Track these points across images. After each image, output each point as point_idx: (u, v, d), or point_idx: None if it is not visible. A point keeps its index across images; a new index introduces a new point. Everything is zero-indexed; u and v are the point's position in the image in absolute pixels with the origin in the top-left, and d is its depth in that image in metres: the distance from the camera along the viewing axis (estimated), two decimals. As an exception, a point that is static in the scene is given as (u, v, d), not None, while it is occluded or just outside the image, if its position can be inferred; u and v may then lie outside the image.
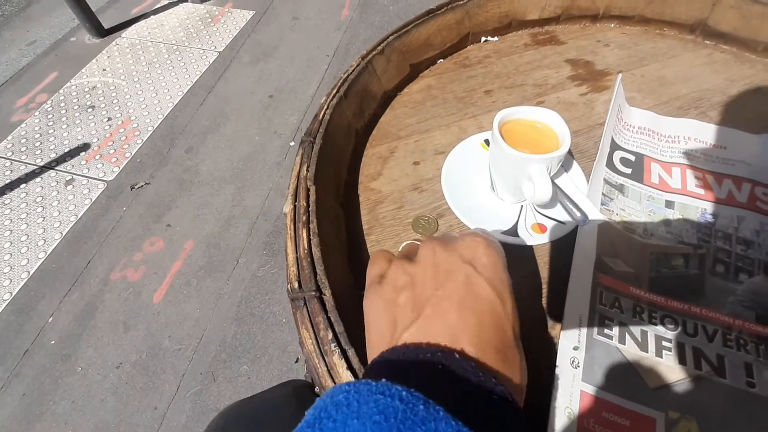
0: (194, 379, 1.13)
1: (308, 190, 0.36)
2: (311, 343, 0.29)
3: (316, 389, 0.29)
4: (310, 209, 0.35)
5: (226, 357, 1.17)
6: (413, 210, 0.41)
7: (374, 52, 0.47)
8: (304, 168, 0.38)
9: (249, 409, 0.37)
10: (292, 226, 0.35)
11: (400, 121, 0.49)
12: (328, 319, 0.29)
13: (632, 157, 0.44)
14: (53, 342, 1.19)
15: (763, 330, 0.33)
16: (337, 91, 0.43)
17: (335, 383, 0.27)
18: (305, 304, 0.30)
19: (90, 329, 1.21)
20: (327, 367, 0.28)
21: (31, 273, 1.31)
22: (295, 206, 0.36)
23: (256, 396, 0.40)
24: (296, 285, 0.32)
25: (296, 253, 0.33)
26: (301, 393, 0.38)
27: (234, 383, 1.12)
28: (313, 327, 0.29)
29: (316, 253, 0.32)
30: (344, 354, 0.28)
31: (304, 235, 0.33)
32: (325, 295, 0.30)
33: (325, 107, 0.42)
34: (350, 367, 0.27)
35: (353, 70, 0.45)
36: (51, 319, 1.23)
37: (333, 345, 0.28)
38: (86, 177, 1.54)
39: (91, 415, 1.08)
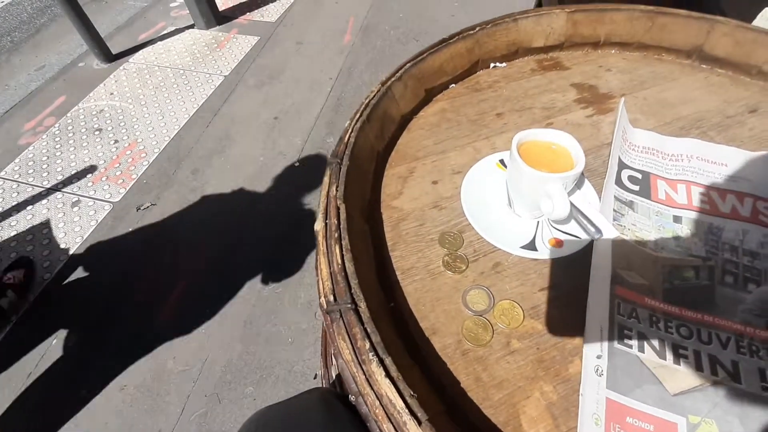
0: (199, 400, 1.12)
1: (338, 208, 0.38)
2: (349, 353, 0.30)
3: (351, 398, 0.30)
4: (341, 226, 0.36)
5: (231, 378, 1.16)
6: (435, 227, 0.43)
7: (393, 79, 0.50)
8: (333, 188, 0.40)
9: (278, 414, 0.38)
10: (325, 243, 0.36)
11: (418, 143, 0.51)
12: (365, 330, 0.31)
13: (639, 175, 0.47)
14: (57, 365, 1.18)
15: (774, 337, 0.35)
16: (360, 115, 0.46)
17: (374, 390, 0.29)
18: (341, 316, 0.32)
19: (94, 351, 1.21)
20: (365, 375, 0.29)
21: (35, 296, 1.31)
22: (326, 224, 0.37)
23: (284, 402, 0.41)
24: (331, 298, 0.33)
25: (330, 268, 0.35)
26: (328, 399, 0.39)
27: (239, 405, 1.11)
28: (350, 338, 0.31)
29: (350, 267, 0.34)
30: (382, 362, 0.29)
31: (337, 251, 0.35)
32: (360, 307, 0.32)
33: (350, 130, 0.44)
34: (388, 375, 0.29)
35: (374, 96, 0.48)
36: (55, 341, 1.23)
37: (371, 354, 0.30)
38: (92, 198, 1.55)
39: (95, 438, 1.07)
